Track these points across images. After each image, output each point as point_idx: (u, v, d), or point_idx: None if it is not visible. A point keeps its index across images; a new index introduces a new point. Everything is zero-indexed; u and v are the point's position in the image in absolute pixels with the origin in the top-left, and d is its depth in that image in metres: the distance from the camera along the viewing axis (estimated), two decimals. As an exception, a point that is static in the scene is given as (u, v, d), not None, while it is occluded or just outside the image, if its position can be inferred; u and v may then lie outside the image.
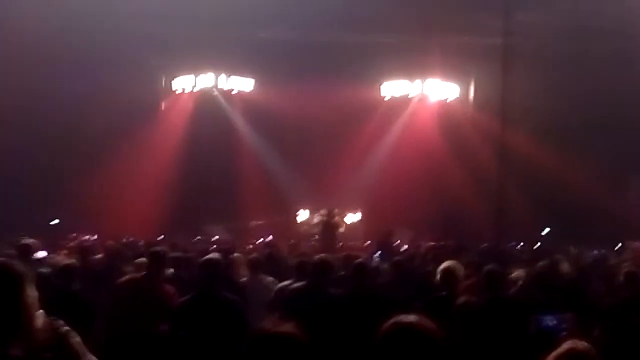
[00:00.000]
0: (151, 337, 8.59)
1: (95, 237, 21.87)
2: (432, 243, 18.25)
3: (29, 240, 11.13)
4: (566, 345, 3.92)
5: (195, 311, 7.88)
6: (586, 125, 27.31)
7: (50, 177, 26.14)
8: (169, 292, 8.90)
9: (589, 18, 25.35)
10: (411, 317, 3.59)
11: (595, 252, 20.22)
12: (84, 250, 13.34)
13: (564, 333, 6.01)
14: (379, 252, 18.68)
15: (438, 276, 8.87)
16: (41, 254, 12.43)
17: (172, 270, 10.64)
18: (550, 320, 6.76)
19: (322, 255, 9.49)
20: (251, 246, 21.70)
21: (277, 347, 3.31)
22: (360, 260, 9.97)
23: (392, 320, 3.58)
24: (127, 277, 9.18)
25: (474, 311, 7.55)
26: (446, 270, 8.84)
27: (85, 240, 19.67)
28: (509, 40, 20.22)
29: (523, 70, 22.80)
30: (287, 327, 3.39)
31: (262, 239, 25.01)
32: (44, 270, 9.34)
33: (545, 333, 5.82)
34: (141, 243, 18.94)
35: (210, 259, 8.34)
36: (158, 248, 9.78)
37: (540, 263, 10.08)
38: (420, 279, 12.23)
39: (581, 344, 3.91)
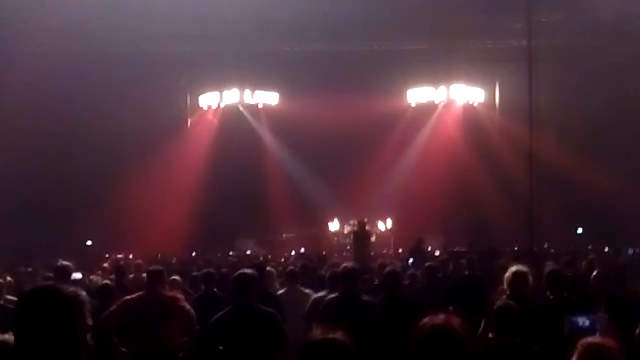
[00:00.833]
0: (170, 351, 8.90)
1: (130, 256, 22.03)
2: (464, 249, 18.22)
3: (66, 262, 11.25)
4: (588, 340, 3.96)
5: (232, 325, 7.92)
6: (612, 124, 27.13)
7: (82, 199, 26.43)
8: (174, 298, 9.19)
9: (611, 15, 25.21)
10: (441, 318, 3.68)
11: (630, 251, 20.11)
12: (118, 270, 13.49)
13: (597, 334, 5.99)
14: (411, 259, 18.68)
15: (509, 278, 8.55)
16: (77, 275, 12.56)
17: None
18: (583, 321, 6.73)
19: (347, 264, 9.52)
20: (283, 259, 21.78)
21: (329, 354, 3.36)
22: (391, 268, 9.97)
23: (423, 322, 3.66)
24: (124, 298, 9.24)
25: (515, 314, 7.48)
26: (517, 274, 8.61)
27: (119, 260, 19.83)
28: (532, 42, 20.12)
29: (547, 71, 22.70)
30: (338, 334, 3.43)
31: (294, 252, 25.12)
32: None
33: (578, 334, 5.80)
34: (173, 260, 19.08)
35: (243, 273, 8.37)
36: (156, 267, 9.94)
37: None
38: (454, 284, 12.25)
39: (603, 339, 3.94)
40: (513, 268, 8.54)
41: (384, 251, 25.77)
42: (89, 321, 3.37)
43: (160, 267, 9.99)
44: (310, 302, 9.70)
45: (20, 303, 3.37)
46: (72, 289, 3.41)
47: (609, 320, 6.87)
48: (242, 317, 7.94)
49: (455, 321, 3.72)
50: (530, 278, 8.43)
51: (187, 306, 9.25)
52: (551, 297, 8.72)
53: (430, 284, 12.31)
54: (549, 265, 10.07)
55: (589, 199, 26.84)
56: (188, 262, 19.54)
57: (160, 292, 9.22)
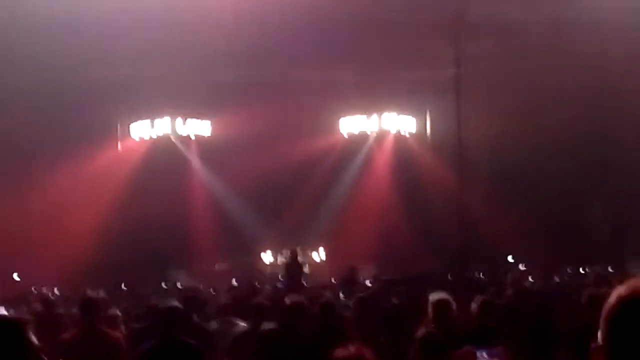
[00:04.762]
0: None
1: (55, 290, 21.46)
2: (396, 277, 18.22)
3: None
4: None
5: (156, 358, 7.79)
6: (544, 147, 27.62)
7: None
8: (114, 337, 8.58)
9: (538, 40, 25.74)
10: (351, 349, 3.67)
11: (557, 279, 20.30)
12: (46, 303, 13.10)
13: None
14: (343, 289, 18.60)
15: (430, 309, 8.49)
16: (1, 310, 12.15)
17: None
18: (482, 355, 6.72)
19: (295, 297, 9.46)
20: (212, 291, 21.45)
21: None
22: (326, 299, 9.92)
23: (335, 354, 3.64)
24: (65, 335, 8.42)
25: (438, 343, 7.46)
26: (438, 303, 8.51)
27: (45, 294, 19.29)
28: (460, 69, 20.44)
29: (477, 98, 23.05)
30: (357, 350, 3.41)
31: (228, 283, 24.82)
32: None
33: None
34: (101, 294, 18.61)
35: (169, 307, 8.22)
36: (89, 295, 9.41)
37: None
38: (386, 314, 12.16)
39: None
40: (435, 296, 8.55)
41: (316, 281, 25.65)
42: (35, 341, 3.35)
43: (95, 296, 9.60)
44: (233, 336, 9.57)
45: None
46: (9, 313, 3.39)
47: (506, 351, 6.91)
48: (166, 350, 7.79)
49: (367, 352, 3.68)
50: (454, 306, 8.41)
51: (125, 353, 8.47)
52: (475, 326, 8.79)
53: (362, 314, 12.22)
54: (479, 297, 10.10)
55: (523, 222, 27.18)
56: (116, 295, 19.12)
57: (100, 328, 8.47)
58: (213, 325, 10.75)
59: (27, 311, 14.06)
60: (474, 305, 9.27)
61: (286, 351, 8.33)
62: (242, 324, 10.56)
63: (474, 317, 9.33)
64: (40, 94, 26.43)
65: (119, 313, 11.01)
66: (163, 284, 25.26)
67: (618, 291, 2.15)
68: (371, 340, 8.21)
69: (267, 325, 9.04)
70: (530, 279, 20.39)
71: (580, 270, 22.61)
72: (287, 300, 9.12)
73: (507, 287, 15.45)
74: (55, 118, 26.80)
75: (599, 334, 2.17)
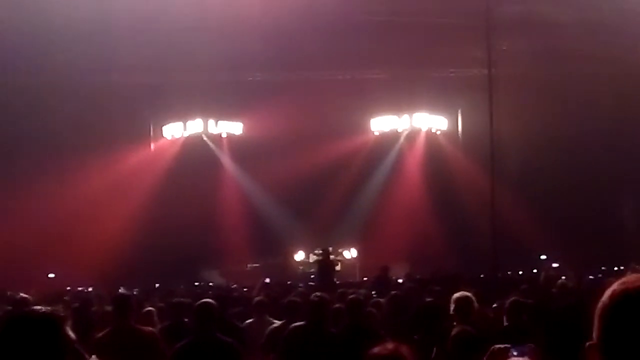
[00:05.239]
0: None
1: (90, 289, 21.68)
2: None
3: (25, 295, 11.04)
4: None
5: (192, 356, 7.84)
6: (575, 147, 27.47)
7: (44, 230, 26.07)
8: (148, 333, 8.62)
9: (569, 43, 25.61)
10: (389, 347, 3.68)
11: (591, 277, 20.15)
12: (82, 301, 13.26)
13: None
14: (376, 287, 18.62)
15: (452, 305, 8.59)
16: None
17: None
18: (511, 352, 6.75)
19: (319, 294, 9.44)
20: (245, 289, 21.58)
21: None
22: (354, 296, 9.93)
23: (372, 351, 3.66)
24: (99, 332, 8.39)
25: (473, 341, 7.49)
26: (460, 300, 8.59)
27: (81, 292, 19.54)
28: (492, 70, 20.37)
29: (508, 98, 22.97)
30: (395, 348, 3.44)
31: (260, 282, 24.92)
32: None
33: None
34: (135, 292, 18.78)
35: (204, 303, 8.27)
36: (123, 292, 9.41)
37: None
38: (418, 313, 12.18)
39: None
40: (457, 294, 8.60)
41: (349, 280, 25.68)
42: (72, 335, 3.39)
43: (128, 293, 9.62)
44: (267, 332, 9.63)
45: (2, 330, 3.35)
46: (47, 308, 3.44)
47: (537, 349, 6.92)
48: (203, 347, 7.86)
49: (404, 350, 3.71)
50: (475, 304, 8.47)
51: (162, 346, 8.46)
52: (506, 324, 8.82)
53: (395, 312, 12.25)
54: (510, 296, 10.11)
55: (554, 222, 27.03)
56: (151, 293, 19.26)
57: (133, 325, 8.47)
58: (246, 323, 10.84)
59: (63, 309, 14.28)
60: (505, 304, 9.31)
61: (313, 348, 8.33)
62: (275, 322, 10.64)
63: (505, 315, 9.36)
64: (77, 97, 26.76)
65: (152, 309, 11.04)
66: (196, 283, 25.47)
67: (611, 288, 2.14)
68: (404, 338, 8.25)
69: (296, 323, 9.09)
70: (563, 278, 20.31)
71: (615, 268, 22.42)
72: (312, 297, 9.14)
73: (540, 285, 15.41)
74: (90, 120, 27.09)
75: (593, 332, 2.14)
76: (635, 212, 28.65)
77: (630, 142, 27.15)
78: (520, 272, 23.78)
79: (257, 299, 12.07)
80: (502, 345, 4.64)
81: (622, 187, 28.51)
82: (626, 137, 27.14)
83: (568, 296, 12.41)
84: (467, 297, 8.50)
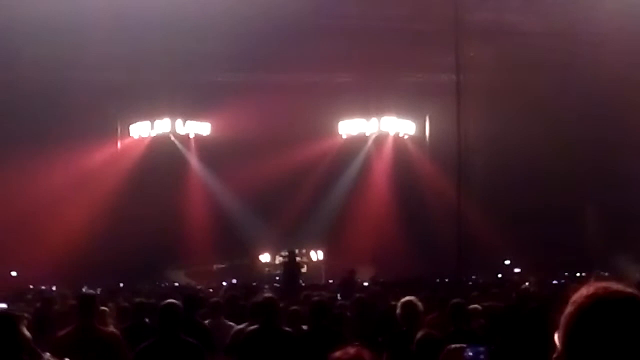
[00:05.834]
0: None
1: (54, 287, 21.48)
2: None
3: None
4: None
5: (155, 356, 7.81)
6: (542, 153, 27.72)
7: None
8: (111, 334, 8.61)
9: (537, 50, 25.88)
10: (351, 351, 3.68)
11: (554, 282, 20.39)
12: (44, 300, 13.12)
13: None
14: (341, 290, 18.68)
15: (398, 310, 8.80)
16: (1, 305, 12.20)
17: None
18: (467, 353, 6.84)
19: (267, 295, 9.48)
20: (211, 290, 21.54)
21: None
22: (317, 298, 9.97)
23: (333, 355, 3.67)
24: (62, 331, 8.31)
25: (436, 344, 7.56)
26: (406, 305, 8.78)
27: (43, 291, 19.32)
28: (461, 76, 20.54)
29: (476, 104, 23.14)
30: (357, 351, 3.45)
31: (225, 283, 24.89)
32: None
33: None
34: (98, 291, 18.61)
35: (168, 303, 8.24)
36: (88, 291, 9.36)
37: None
38: (382, 315, 12.25)
39: None
40: (403, 299, 8.76)
41: (314, 282, 25.72)
42: (28, 334, 3.39)
43: (93, 292, 9.56)
44: (231, 334, 9.62)
45: None
46: (3, 307, 3.45)
47: (492, 351, 7.01)
48: (166, 348, 7.83)
49: (366, 354, 3.72)
50: (420, 308, 8.63)
51: (124, 346, 8.45)
52: (451, 329, 8.97)
53: (360, 315, 12.31)
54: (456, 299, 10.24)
55: (518, 228, 27.25)
56: (115, 293, 19.13)
57: (96, 325, 8.45)
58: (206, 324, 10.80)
59: (24, 307, 14.14)
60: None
61: (268, 349, 8.35)
62: (230, 324, 10.58)
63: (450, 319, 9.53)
64: (42, 93, 26.49)
65: (106, 309, 10.84)
66: (160, 284, 25.37)
67: (574, 298, 2.15)
68: (368, 340, 8.30)
69: (250, 327, 9.09)
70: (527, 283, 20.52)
71: (577, 274, 22.67)
72: (260, 299, 9.17)
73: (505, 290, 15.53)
74: (55, 117, 26.81)
75: (558, 342, 2.15)
76: (598, 219, 28.97)
77: (594, 148, 27.46)
78: (481, 277, 23.93)
79: (212, 300, 12.05)
80: (457, 345, 4.71)
81: (586, 194, 28.82)
82: (590, 143, 27.43)
83: (530, 301, 12.52)
84: (411, 301, 8.67)
